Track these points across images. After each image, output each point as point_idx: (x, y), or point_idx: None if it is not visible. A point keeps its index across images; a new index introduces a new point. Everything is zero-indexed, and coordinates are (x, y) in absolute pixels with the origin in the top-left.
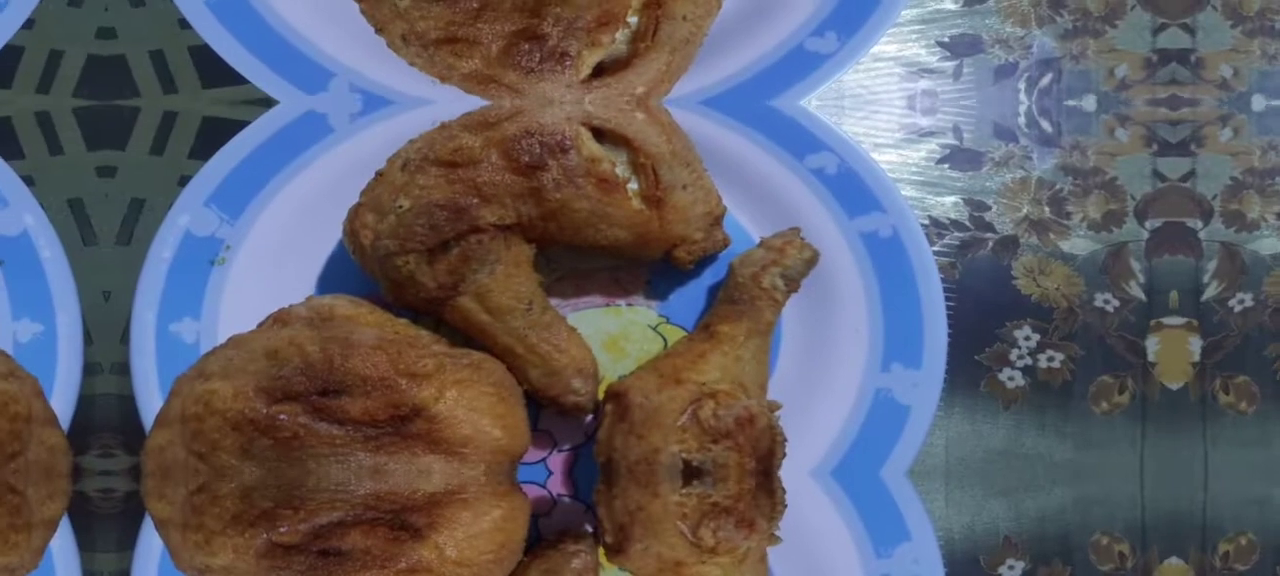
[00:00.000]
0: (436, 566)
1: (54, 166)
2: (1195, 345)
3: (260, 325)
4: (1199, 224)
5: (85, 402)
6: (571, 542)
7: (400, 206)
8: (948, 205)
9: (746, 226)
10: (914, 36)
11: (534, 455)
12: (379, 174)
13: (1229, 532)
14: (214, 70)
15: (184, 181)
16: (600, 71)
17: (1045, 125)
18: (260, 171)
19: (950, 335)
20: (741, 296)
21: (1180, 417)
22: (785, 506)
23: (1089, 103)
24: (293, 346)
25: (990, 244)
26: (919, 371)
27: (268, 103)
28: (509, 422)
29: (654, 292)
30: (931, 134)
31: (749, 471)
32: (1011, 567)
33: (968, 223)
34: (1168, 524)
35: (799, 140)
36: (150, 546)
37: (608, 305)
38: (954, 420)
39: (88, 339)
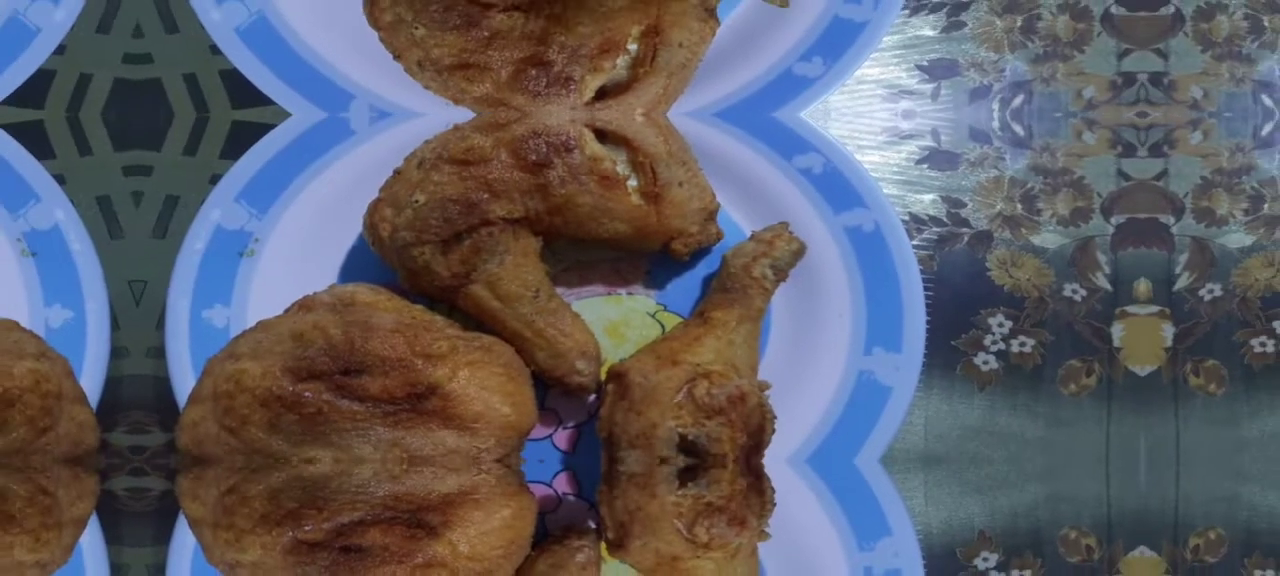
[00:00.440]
0: (450, 561)
1: (83, 166)
2: (1168, 332)
3: (286, 311)
4: (1171, 220)
5: (113, 383)
6: (576, 538)
7: (417, 201)
8: (926, 202)
9: (738, 221)
10: (895, 61)
11: (541, 431)
12: (397, 171)
13: (1199, 526)
14: (243, 92)
15: (215, 179)
16: (602, 95)
17: (1017, 129)
18: (286, 170)
19: (929, 322)
20: (734, 285)
21: (1151, 399)
22: (774, 505)
23: (1059, 117)
24: (317, 329)
25: (966, 238)
26: (900, 355)
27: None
28: (517, 400)
29: (652, 282)
30: (911, 137)
31: (740, 446)
32: (986, 559)
33: (945, 218)
34: (1134, 517)
35: (788, 142)
36: (184, 543)
37: (609, 294)
38: (932, 400)
39: (115, 325)
